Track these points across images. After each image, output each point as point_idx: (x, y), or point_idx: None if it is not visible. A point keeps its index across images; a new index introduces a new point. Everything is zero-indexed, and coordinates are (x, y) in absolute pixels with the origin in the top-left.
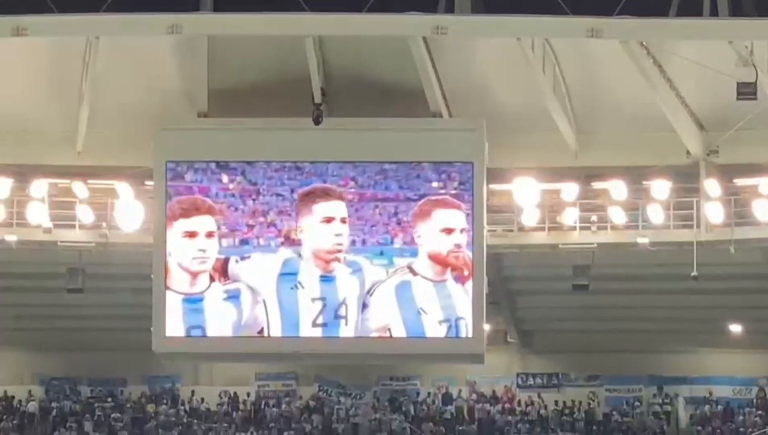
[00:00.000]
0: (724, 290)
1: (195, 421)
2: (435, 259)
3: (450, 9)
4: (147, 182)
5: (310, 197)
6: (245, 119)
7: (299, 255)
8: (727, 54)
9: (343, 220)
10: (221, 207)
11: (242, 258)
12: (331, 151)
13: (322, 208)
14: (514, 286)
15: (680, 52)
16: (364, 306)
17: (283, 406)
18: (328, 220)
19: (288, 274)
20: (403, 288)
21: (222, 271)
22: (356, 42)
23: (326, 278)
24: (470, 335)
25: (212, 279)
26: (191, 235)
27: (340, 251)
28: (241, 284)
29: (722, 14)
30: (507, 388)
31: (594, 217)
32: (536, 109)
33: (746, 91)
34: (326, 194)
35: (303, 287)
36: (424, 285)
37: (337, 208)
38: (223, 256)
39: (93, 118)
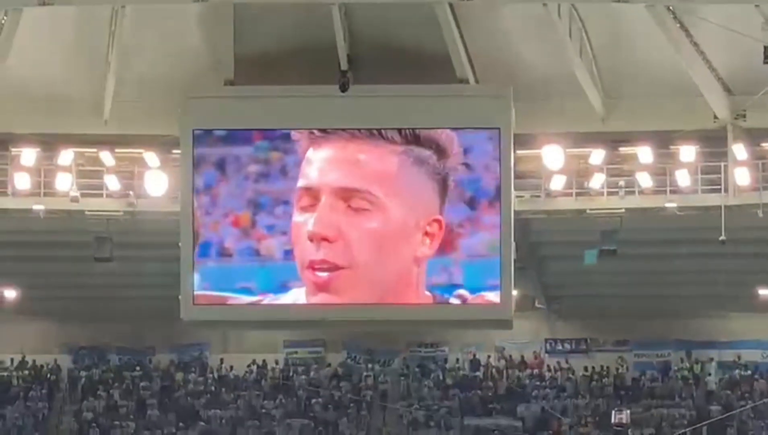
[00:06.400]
0: (753, 254)
1: (223, 389)
2: None
3: None
4: (174, 150)
5: None
6: (272, 87)
7: None
8: (754, 17)
9: None
10: None
11: None
12: (357, 119)
13: None
14: (542, 252)
15: (707, 15)
16: None
17: (312, 373)
18: None
19: None
20: None
21: None
22: (382, 9)
23: None
24: (498, 301)
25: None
26: None
27: None
28: None
29: None
30: (535, 353)
31: (621, 182)
32: (563, 74)
33: None
34: None
35: None
36: None
37: None
38: None
39: (119, 86)
